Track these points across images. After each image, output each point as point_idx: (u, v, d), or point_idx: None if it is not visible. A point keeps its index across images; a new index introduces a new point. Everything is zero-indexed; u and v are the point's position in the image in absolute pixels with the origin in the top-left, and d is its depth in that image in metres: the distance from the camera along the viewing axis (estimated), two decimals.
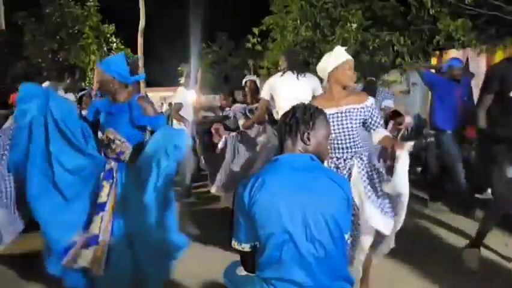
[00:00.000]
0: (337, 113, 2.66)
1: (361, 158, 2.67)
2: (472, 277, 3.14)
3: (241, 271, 1.84)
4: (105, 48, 13.98)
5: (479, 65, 7.17)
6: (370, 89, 5.00)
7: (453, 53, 7.53)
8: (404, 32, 8.09)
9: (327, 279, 1.59)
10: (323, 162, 1.80)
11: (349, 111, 2.66)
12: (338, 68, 2.69)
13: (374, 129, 2.77)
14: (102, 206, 2.67)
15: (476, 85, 7.19)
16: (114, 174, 2.72)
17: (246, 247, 1.70)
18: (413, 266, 3.32)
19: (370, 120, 2.73)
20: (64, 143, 2.65)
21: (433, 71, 5.70)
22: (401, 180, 2.46)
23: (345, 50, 2.76)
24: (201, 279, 3.17)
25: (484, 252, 3.44)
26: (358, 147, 2.70)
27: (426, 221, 4.52)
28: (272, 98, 3.89)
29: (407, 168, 2.46)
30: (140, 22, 12.99)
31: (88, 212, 2.70)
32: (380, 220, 2.56)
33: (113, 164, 2.74)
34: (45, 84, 4.47)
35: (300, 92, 3.65)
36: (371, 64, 8.25)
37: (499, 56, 6.71)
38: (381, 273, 3.02)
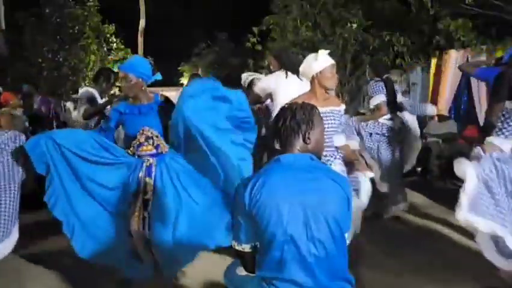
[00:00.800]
0: (321, 113, 2.75)
1: (336, 158, 2.90)
2: (467, 275, 3.14)
3: (242, 271, 1.84)
4: (105, 48, 13.98)
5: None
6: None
7: (453, 53, 7.54)
8: (404, 32, 8.09)
9: (328, 279, 1.60)
10: (320, 158, 1.80)
11: (331, 112, 2.85)
12: (321, 72, 2.83)
13: (338, 131, 2.99)
14: (147, 202, 2.75)
15: (475, 86, 7.23)
16: (153, 169, 2.76)
17: (246, 247, 1.70)
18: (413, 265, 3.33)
19: (343, 124, 3.02)
20: (93, 165, 2.71)
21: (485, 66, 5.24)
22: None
23: (341, 51, 2.93)
24: (201, 279, 3.17)
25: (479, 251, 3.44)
26: (336, 149, 2.95)
27: (429, 221, 4.52)
28: (271, 98, 3.81)
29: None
30: (140, 22, 13.00)
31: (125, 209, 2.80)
32: None
33: (151, 160, 2.78)
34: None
35: (298, 90, 3.62)
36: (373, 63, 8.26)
37: (499, 56, 6.71)
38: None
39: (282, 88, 3.59)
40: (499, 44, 6.73)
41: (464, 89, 7.67)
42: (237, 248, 1.72)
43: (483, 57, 6.88)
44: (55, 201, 2.68)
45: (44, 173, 2.69)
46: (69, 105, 7.35)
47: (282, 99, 3.69)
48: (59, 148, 2.67)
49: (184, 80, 16.53)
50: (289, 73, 3.65)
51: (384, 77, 4.69)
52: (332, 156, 2.92)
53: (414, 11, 7.81)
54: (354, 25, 8.16)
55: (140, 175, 2.75)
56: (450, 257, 3.55)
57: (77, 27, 13.03)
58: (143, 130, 2.80)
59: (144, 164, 2.77)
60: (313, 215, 1.58)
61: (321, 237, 1.58)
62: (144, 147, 2.80)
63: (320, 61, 2.82)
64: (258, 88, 3.85)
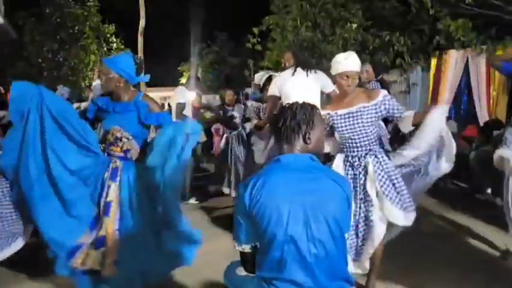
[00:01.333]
0: (348, 113, 2.77)
1: (376, 156, 2.75)
2: (472, 275, 3.15)
3: (242, 271, 1.84)
4: (105, 48, 13.99)
5: (479, 65, 7.18)
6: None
7: (453, 53, 7.54)
8: (404, 32, 8.09)
9: (327, 279, 1.60)
10: (319, 157, 1.80)
11: (360, 111, 2.76)
12: (338, 75, 2.81)
13: (398, 119, 2.85)
14: (109, 206, 2.65)
15: (476, 86, 7.24)
16: (119, 173, 2.69)
17: (247, 248, 1.70)
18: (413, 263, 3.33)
19: (392, 111, 2.79)
20: (65, 141, 2.57)
21: None
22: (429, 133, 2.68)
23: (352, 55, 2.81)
24: (201, 279, 3.17)
25: (483, 253, 3.45)
26: (373, 145, 2.79)
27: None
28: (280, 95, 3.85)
29: (440, 125, 2.72)
30: (140, 22, 12.98)
31: (93, 212, 2.67)
32: (400, 216, 2.68)
33: (118, 162, 2.71)
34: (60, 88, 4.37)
35: (309, 89, 3.62)
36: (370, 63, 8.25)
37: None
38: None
39: (287, 84, 3.66)
40: (499, 44, 6.73)
41: (464, 89, 7.68)
42: (237, 248, 1.72)
43: (483, 57, 6.89)
44: (7, 153, 2.53)
45: (15, 122, 2.51)
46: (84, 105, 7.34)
47: (288, 96, 3.72)
48: (41, 105, 2.51)
49: (184, 80, 16.52)
50: (298, 69, 3.75)
51: (379, 77, 4.72)
52: (365, 156, 2.77)
53: (414, 11, 7.80)
54: (354, 25, 8.17)
55: (105, 175, 2.68)
56: (451, 257, 3.55)
57: (77, 27, 13.03)
58: (113, 129, 2.72)
59: (111, 164, 2.70)
60: (313, 215, 1.58)
61: (321, 238, 1.58)
62: (113, 148, 2.73)
63: (338, 65, 2.79)
64: (269, 93, 3.95)
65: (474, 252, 3.70)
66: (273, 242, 1.58)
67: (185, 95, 5.35)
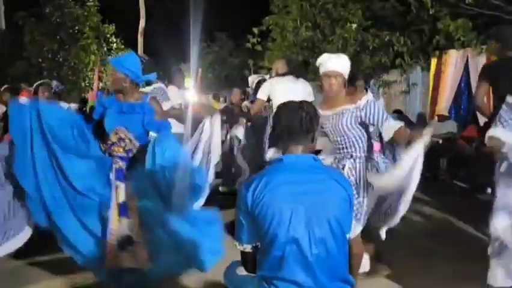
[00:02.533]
0: (333, 114, 2.72)
1: (354, 160, 2.69)
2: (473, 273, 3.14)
3: (242, 271, 1.84)
4: (105, 48, 13.98)
5: (479, 65, 7.17)
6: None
7: (453, 53, 7.53)
8: (404, 32, 8.08)
9: (328, 279, 1.60)
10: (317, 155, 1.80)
11: (342, 113, 2.69)
12: (321, 76, 2.75)
13: (380, 126, 2.68)
14: (125, 207, 2.64)
15: (475, 86, 7.22)
16: (125, 173, 2.69)
17: (248, 248, 1.69)
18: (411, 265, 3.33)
19: (371, 118, 2.66)
20: (66, 149, 2.57)
21: None
22: (399, 173, 2.42)
23: (337, 54, 2.78)
24: (201, 279, 3.17)
25: (483, 253, 3.43)
26: (353, 149, 2.70)
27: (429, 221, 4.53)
28: (269, 99, 4.07)
29: (419, 163, 2.40)
30: (140, 22, 13.00)
31: (103, 214, 2.65)
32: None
33: (121, 163, 2.71)
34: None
35: (298, 94, 3.71)
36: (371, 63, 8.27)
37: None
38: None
39: (277, 87, 3.98)
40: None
41: (464, 89, 7.68)
42: (238, 248, 1.72)
43: (483, 57, 6.89)
44: (23, 172, 2.52)
45: (17, 141, 2.54)
46: (73, 106, 7.33)
47: (278, 99, 3.85)
48: (39, 121, 2.52)
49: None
50: (289, 76, 4.06)
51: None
52: (343, 159, 2.73)
53: (414, 11, 7.79)
54: (354, 25, 8.16)
55: (110, 177, 2.67)
56: (451, 257, 3.55)
57: (77, 27, 13.04)
58: (117, 130, 2.72)
59: (114, 166, 2.69)
60: (315, 215, 1.58)
61: (322, 238, 1.58)
62: (115, 148, 2.73)
63: (321, 65, 2.73)
64: (258, 95, 4.19)
65: (474, 252, 3.68)
66: (274, 241, 1.58)
67: (178, 95, 5.32)
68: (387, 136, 2.70)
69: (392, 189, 2.54)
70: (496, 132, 2.56)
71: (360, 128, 2.73)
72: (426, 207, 4.98)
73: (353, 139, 2.71)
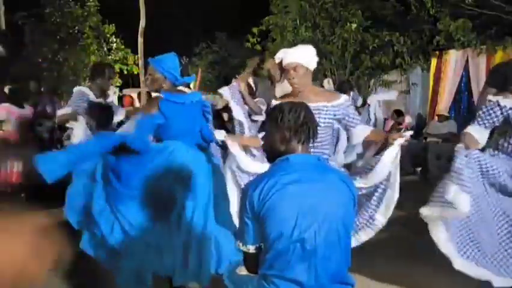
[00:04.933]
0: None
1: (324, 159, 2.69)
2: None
3: (242, 271, 1.83)
4: (105, 48, 13.97)
5: (479, 65, 7.18)
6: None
7: (453, 53, 7.54)
8: (404, 32, 8.09)
9: (330, 280, 1.60)
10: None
11: (318, 109, 2.57)
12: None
13: (353, 127, 2.68)
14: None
15: (475, 86, 7.23)
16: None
17: (252, 248, 1.67)
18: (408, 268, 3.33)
19: (346, 118, 2.66)
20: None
21: None
22: (383, 170, 2.44)
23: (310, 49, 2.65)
24: None
25: None
26: (326, 149, 2.67)
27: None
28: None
29: (397, 159, 2.45)
30: (140, 22, 12.98)
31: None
32: None
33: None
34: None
35: None
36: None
37: (499, 56, 6.71)
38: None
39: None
40: (499, 44, 6.73)
41: (464, 89, 7.69)
42: (241, 248, 1.71)
43: (483, 57, 6.90)
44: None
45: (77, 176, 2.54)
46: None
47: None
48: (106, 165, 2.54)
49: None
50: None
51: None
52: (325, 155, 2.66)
53: (414, 11, 7.80)
54: (354, 25, 8.17)
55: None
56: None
57: (77, 27, 13.03)
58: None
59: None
60: (321, 215, 1.58)
61: (327, 238, 1.58)
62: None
63: (282, 61, 2.62)
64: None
65: None
66: (279, 241, 1.57)
67: None
68: (357, 139, 2.71)
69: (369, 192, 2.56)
70: (470, 129, 2.61)
71: (333, 127, 2.72)
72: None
73: (326, 138, 2.66)
